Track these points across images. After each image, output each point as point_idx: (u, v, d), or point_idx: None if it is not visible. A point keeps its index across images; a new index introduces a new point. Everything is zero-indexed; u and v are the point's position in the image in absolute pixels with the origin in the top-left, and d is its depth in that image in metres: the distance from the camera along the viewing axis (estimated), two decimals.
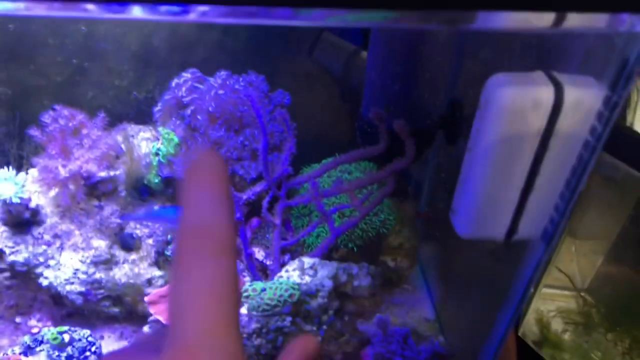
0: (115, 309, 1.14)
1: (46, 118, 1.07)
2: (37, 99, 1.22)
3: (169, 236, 1.15)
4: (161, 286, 1.13)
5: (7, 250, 1.06)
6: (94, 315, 1.13)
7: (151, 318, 1.08)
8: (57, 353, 1.02)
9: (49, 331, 1.03)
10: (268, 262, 1.19)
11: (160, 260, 1.14)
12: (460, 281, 1.27)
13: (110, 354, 0.25)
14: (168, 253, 1.14)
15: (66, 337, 1.03)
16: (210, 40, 1.25)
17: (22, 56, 1.18)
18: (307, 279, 1.09)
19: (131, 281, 1.11)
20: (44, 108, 1.19)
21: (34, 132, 1.04)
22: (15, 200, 1.00)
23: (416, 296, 1.38)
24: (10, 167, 1.02)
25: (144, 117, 1.27)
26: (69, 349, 1.02)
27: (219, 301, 0.22)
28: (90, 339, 1.05)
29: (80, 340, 1.04)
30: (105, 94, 1.25)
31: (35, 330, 1.08)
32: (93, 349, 1.05)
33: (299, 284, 1.07)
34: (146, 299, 1.07)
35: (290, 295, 1.04)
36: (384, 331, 1.12)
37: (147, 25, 1.20)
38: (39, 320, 1.13)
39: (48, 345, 1.04)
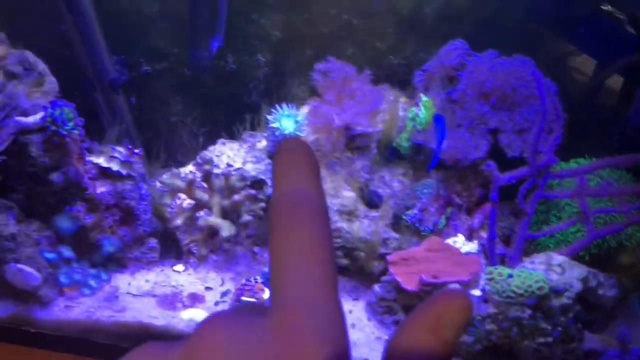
0: (345, 261, 1.16)
1: (323, 66, 1.11)
2: (301, 46, 1.28)
3: (410, 201, 1.15)
4: (395, 249, 1.13)
5: (269, 182, 1.12)
6: None
7: (386, 277, 1.09)
8: None
9: None
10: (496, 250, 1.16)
11: (398, 223, 1.15)
12: None
13: (214, 314, 0.24)
14: (406, 218, 1.15)
15: None
16: (479, 17, 1.23)
17: (301, 4, 1.24)
18: (553, 275, 1.04)
19: (368, 237, 1.12)
20: (306, 56, 1.24)
21: (317, 75, 1.08)
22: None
23: (633, 322, 1.27)
24: (293, 106, 1.07)
25: (394, 81, 1.28)
26: None
27: (319, 262, 0.22)
28: None
29: None
30: (364, 53, 1.28)
31: None
32: None
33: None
34: (388, 257, 1.08)
35: (539, 288, 1.00)
36: (625, 347, 1.04)
37: None
38: None
39: None
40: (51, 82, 1.02)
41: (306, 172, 0.25)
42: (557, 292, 1.02)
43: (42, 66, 1.01)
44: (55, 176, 1.03)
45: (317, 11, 1.24)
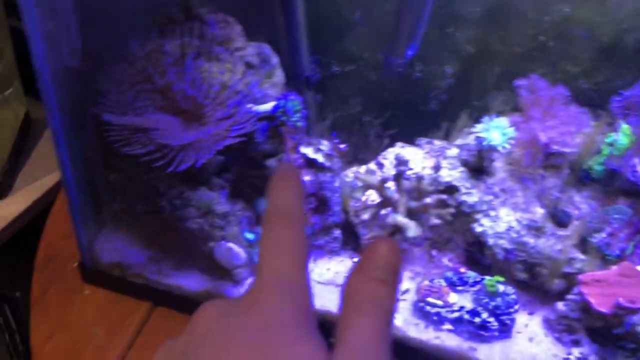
0: (523, 275, 1.17)
1: (526, 83, 1.14)
2: (490, 62, 1.31)
3: (599, 225, 1.15)
4: (579, 270, 1.14)
5: (463, 189, 1.15)
6: (501, 273, 1.18)
7: (572, 296, 1.10)
8: (486, 299, 1.08)
9: (485, 277, 1.10)
10: None
11: (584, 245, 1.15)
12: None
13: (208, 302, 0.33)
14: (593, 241, 1.15)
15: (501, 288, 1.08)
16: None
17: (499, 23, 1.27)
18: None
19: (555, 255, 1.13)
20: (494, 72, 1.27)
21: (524, 91, 1.11)
22: (500, 148, 1.08)
23: None
24: (503, 118, 1.10)
25: (582, 105, 1.29)
26: (498, 299, 1.08)
27: (291, 251, 0.31)
28: (514, 297, 1.10)
29: (509, 295, 1.09)
30: (552, 75, 1.29)
31: (462, 270, 1.16)
32: (515, 307, 1.09)
33: None
34: (580, 277, 1.09)
35: None
36: None
37: (628, 19, 1.21)
38: (449, 260, 1.22)
39: (476, 288, 1.11)
40: (280, 75, 1.09)
41: (293, 191, 0.34)
42: None
43: (275, 59, 1.09)
44: (271, 162, 1.10)
45: (514, 30, 1.27)
